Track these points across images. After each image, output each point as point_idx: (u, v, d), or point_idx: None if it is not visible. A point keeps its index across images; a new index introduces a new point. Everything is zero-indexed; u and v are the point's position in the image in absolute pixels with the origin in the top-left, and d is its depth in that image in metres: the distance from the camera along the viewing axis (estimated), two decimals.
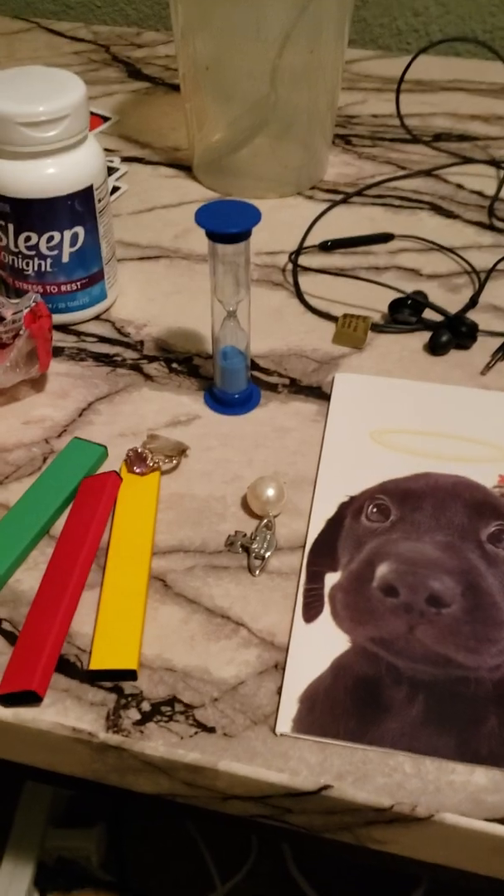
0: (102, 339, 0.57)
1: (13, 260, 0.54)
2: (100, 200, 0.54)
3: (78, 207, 0.52)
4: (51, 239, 0.53)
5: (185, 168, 0.74)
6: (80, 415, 0.51)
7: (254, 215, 0.45)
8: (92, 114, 0.81)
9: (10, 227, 0.52)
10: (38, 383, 0.53)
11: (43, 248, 0.53)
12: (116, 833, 0.94)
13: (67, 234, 0.53)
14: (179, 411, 0.52)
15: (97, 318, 0.58)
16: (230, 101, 0.66)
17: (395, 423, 0.51)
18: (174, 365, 0.55)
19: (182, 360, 0.55)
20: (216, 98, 0.67)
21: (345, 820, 0.36)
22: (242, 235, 0.45)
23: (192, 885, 0.92)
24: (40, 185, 0.51)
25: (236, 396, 0.52)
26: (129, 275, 0.62)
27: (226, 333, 0.50)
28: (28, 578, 0.43)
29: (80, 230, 0.53)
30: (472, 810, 0.35)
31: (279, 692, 0.38)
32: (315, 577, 0.43)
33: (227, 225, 0.45)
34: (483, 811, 0.35)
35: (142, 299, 0.60)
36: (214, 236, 0.45)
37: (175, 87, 0.85)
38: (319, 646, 0.40)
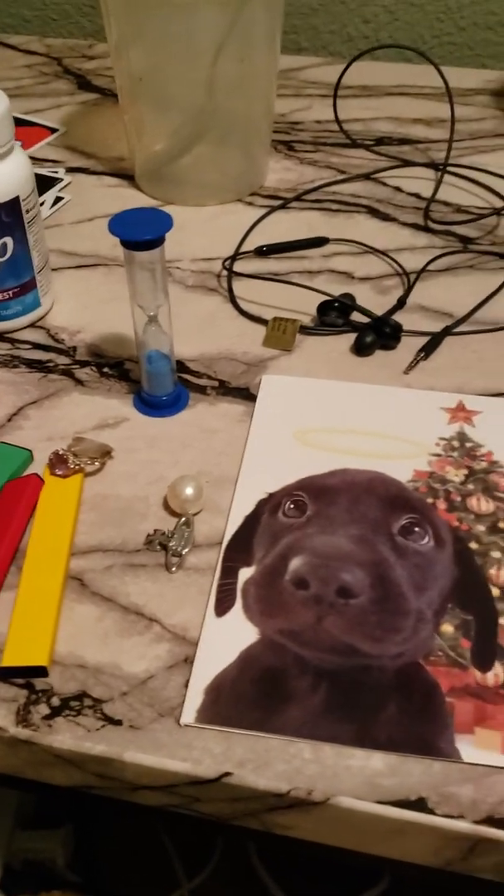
0: (36, 346, 0.58)
1: None
2: (28, 211, 0.55)
3: (5, 218, 0.54)
4: None
5: (128, 177, 0.75)
6: (10, 420, 0.53)
7: (166, 222, 0.46)
8: (39, 126, 0.82)
9: None
10: None
11: None
12: (84, 833, 0.95)
13: None
14: (108, 414, 0.53)
15: (32, 325, 0.59)
16: (167, 111, 0.68)
17: (319, 422, 0.52)
18: (105, 369, 0.56)
19: (113, 365, 0.57)
20: (153, 108, 0.68)
21: (249, 807, 0.38)
22: (156, 242, 0.46)
23: (159, 884, 0.93)
24: None
25: (164, 399, 0.53)
26: (67, 283, 0.63)
27: (149, 338, 0.51)
28: None
29: (8, 240, 0.54)
30: (368, 794, 0.36)
31: (187, 685, 0.39)
32: (229, 572, 0.44)
33: (141, 232, 0.46)
34: (378, 794, 0.36)
35: (77, 307, 0.61)
36: (129, 244, 0.47)
37: (116, 96, 0.87)
38: (229, 638, 0.41)
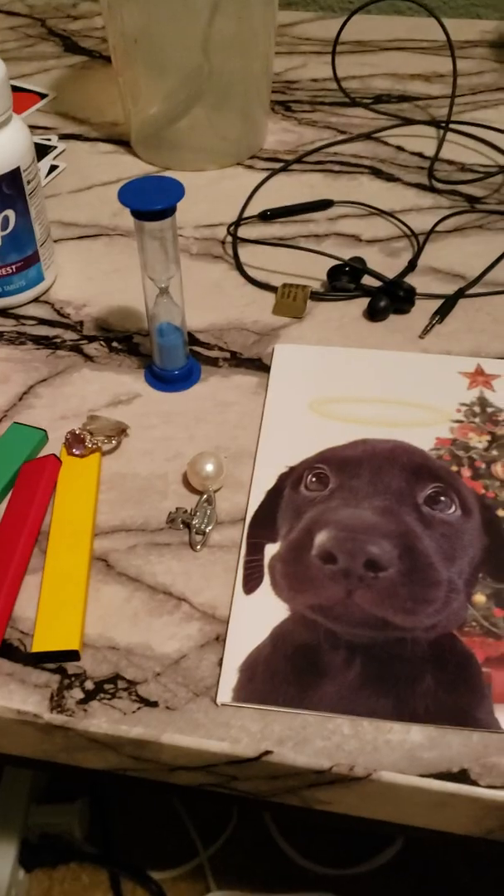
0: (42, 322, 0.57)
1: None
2: (29, 182, 0.53)
3: (6, 190, 0.52)
4: None
5: (124, 143, 0.73)
6: (21, 399, 0.51)
7: (177, 190, 0.45)
8: (27, 91, 0.80)
9: None
10: None
11: None
12: (100, 806, 0.96)
13: None
14: (120, 391, 0.52)
15: (36, 300, 0.58)
16: (163, 73, 0.66)
17: (335, 391, 0.51)
18: (114, 344, 0.55)
19: (122, 339, 0.55)
20: (148, 71, 0.66)
21: (288, 784, 0.37)
22: (167, 212, 0.45)
23: (176, 854, 0.94)
24: None
25: (176, 373, 0.52)
26: (68, 255, 0.62)
27: (160, 310, 0.50)
28: None
29: (10, 213, 0.53)
30: (408, 767, 0.36)
31: (220, 664, 0.39)
32: (255, 549, 0.43)
33: (152, 202, 0.45)
34: (419, 767, 0.36)
35: (81, 279, 0.60)
36: (140, 214, 0.45)
37: (109, 59, 0.84)
38: (259, 616, 0.40)
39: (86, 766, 0.40)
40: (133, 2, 0.62)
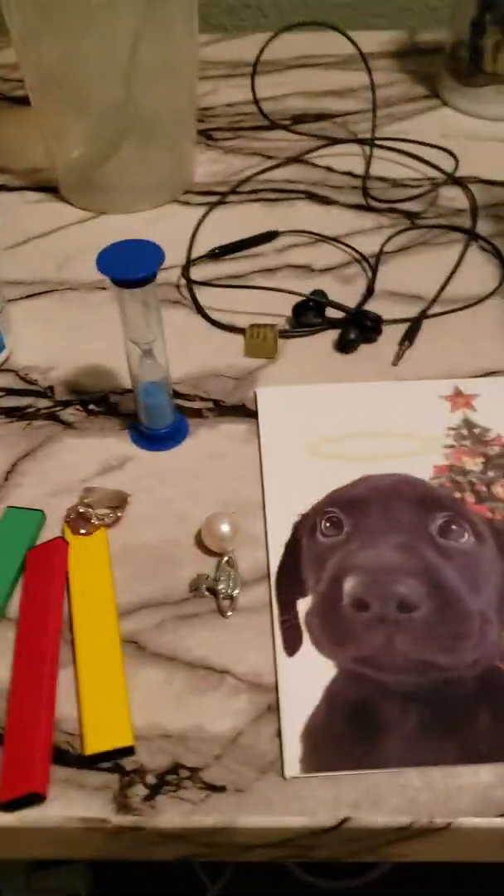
0: (10, 392, 0.54)
1: None
2: None
3: None
4: None
5: (51, 189, 0.71)
6: (6, 478, 0.49)
7: (156, 255, 0.44)
8: None
9: None
10: None
11: None
12: (100, 862, 0.93)
13: None
14: (108, 456, 0.51)
15: None
16: (86, 110, 0.64)
17: (326, 430, 0.51)
18: (91, 406, 0.53)
19: (98, 401, 0.54)
20: (72, 109, 0.64)
21: (368, 844, 0.37)
22: (149, 278, 0.44)
23: (186, 893, 0.93)
24: None
25: (164, 431, 0.51)
26: (21, 316, 0.59)
27: (144, 371, 0.49)
28: None
29: None
30: (484, 809, 0.36)
31: (279, 734, 0.38)
32: (287, 607, 0.43)
33: (133, 270, 0.43)
34: (495, 807, 0.36)
35: (40, 341, 0.58)
36: (121, 282, 0.44)
37: (21, 100, 0.82)
38: (308, 678, 0.40)
39: (156, 859, 0.38)
40: (50, 36, 0.60)
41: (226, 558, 0.44)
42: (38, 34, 0.60)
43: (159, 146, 0.67)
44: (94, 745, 0.37)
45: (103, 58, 0.60)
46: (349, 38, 0.70)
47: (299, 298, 0.59)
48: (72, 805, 0.36)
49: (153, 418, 0.50)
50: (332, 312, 0.59)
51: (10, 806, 0.36)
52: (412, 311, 0.59)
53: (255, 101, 0.74)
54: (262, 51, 0.71)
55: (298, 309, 0.58)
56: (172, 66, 0.63)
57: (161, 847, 0.37)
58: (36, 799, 0.36)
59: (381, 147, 0.74)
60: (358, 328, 0.56)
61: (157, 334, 0.47)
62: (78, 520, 0.45)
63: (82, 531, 0.45)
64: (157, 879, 0.93)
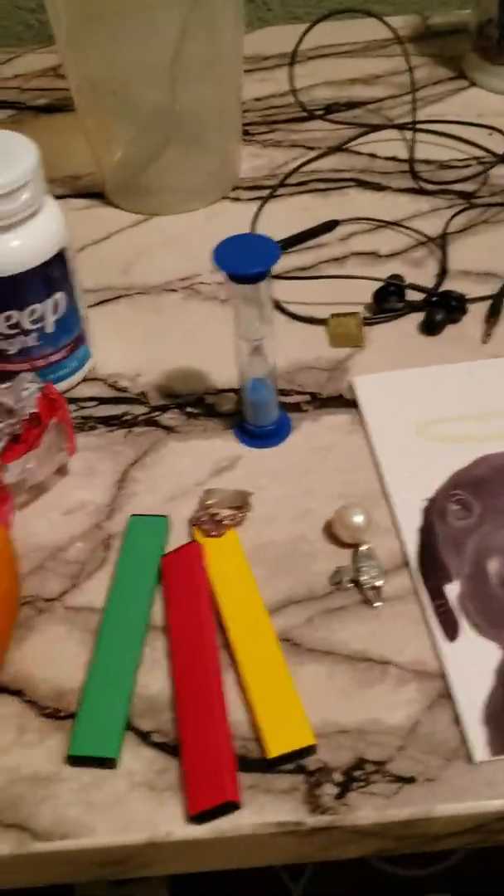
0: (103, 401, 0.53)
1: None
2: (70, 259, 0.50)
3: (55, 273, 0.49)
4: (33, 312, 0.49)
5: (96, 195, 0.70)
6: (120, 488, 0.48)
7: (273, 251, 0.43)
8: None
9: None
10: (59, 468, 0.49)
11: (26, 323, 0.49)
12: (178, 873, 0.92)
13: (50, 303, 0.49)
14: (217, 457, 0.50)
15: (84, 380, 0.55)
16: (134, 112, 0.63)
17: (431, 413, 0.51)
18: (188, 409, 0.53)
19: (194, 403, 0.53)
20: (119, 112, 0.63)
21: None
22: (264, 274, 0.43)
23: (268, 892, 0.92)
24: (16, 259, 0.47)
25: (270, 428, 0.50)
26: (96, 324, 0.58)
27: (252, 368, 0.48)
28: (153, 681, 0.40)
29: (59, 296, 0.49)
30: None
31: (456, 721, 0.38)
32: (437, 593, 0.42)
33: (248, 265, 0.43)
34: None
35: (120, 348, 0.57)
36: (236, 277, 0.43)
37: (44, 109, 0.80)
38: (475, 662, 0.40)
39: (339, 859, 0.38)
40: (96, 36, 0.59)
41: (364, 548, 0.44)
42: (84, 34, 0.59)
43: (207, 144, 0.66)
44: (276, 748, 0.37)
45: (150, 56, 0.59)
46: (387, 24, 0.69)
47: (376, 285, 0.58)
48: (263, 811, 0.36)
49: (260, 415, 0.50)
50: (410, 296, 0.58)
51: (201, 818, 0.35)
52: (487, 288, 0.59)
53: (293, 92, 0.73)
54: (300, 40, 0.71)
55: (379, 294, 0.57)
56: (219, 61, 0.62)
57: (351, 845, 0.37)
58: (230, 808, 0.35)
59: (423, 131, 0.74)
60: (445, 310, 0.56)
61: (267, 331, 0.46)
62: (209, 522, 0.45)
63: (213, 533, 0.44)
64: (236, 883, 0.93)
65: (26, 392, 0.47)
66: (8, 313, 0.48)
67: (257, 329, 0.46)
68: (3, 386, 0.48)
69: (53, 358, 0.51)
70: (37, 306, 0.48)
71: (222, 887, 0.93)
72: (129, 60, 0.59)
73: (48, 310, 0.49)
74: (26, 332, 0.49)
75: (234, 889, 0.93)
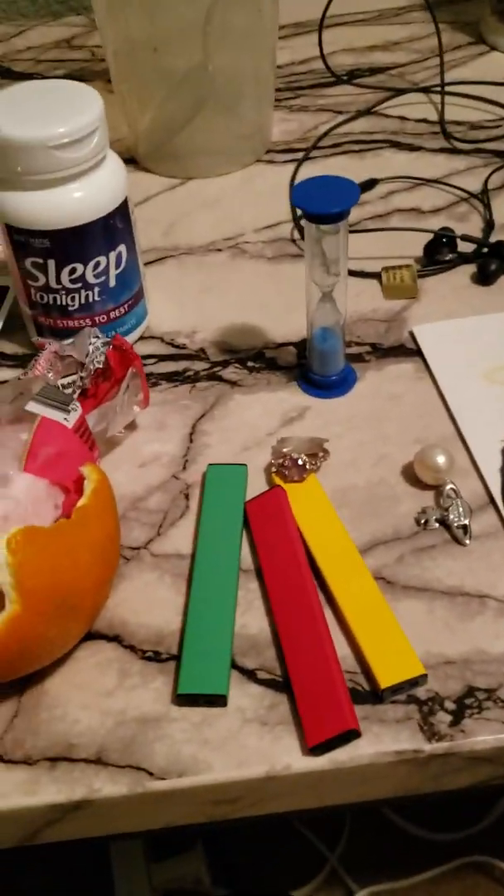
0: (162, 358, 0.53)
1: (54, 298, 0.49)
2: (132, 212, 0.49)
3: (119, 224, 0.48)
4: (97, 265, 0.48)
5: (128, 160, 0.69)
6: (191, 440, 0.48)
7: (352, 191, 0.43)
8: None
9: (51, 262, 0.47)
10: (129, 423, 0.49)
11: (90, 277, 0.48)
12: (216, 846, 0.92)
13: (112, 256, 0.48)
14: (285, 408, 0.50)
15: (141, 337, 0.54)
16: (169, 76, 0.62)
17: (496, 360, 0.51)
18: (250, 363, 0.52)
19: (254, 357, 0.53)
20: (156, 73, 0.63)
21: None
22: (343, 214, 0.43)
23: (306, 868, 0.92)
24: (81, 209, 0.46)
25: (335, 378, 0.50)
26: (147, 284, 0.58)
27: (321, 315, 0.48)
28: (252, 621, 0.40)
29: (122, 249, 0.49)
30: None
31: None
32: None
33: (328, 204, 0.43)
34: None
35: (174, 306, 0.56)
36: (314, 217, 0.43)
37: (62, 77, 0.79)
38: None
39: (448, 789, 0.38)
40: (135, 3, 0.58)
41: (449, 487, 0.44)
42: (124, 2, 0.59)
43: (241, 107, 0.66)
44: (388, 679, 0.36)
45: (188, 18, 0.59)
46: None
47: (425, 239, 0.59)
48: (380, 740, 0.36)
49: (327, 364, 0.49)
50: (461, 248, 0.58)
51: (320, 749, 0.35)
52: None
53: (322, 57, 0.73)
54: (327, 6, 0.71)
55: (430, 247, 0.57)
56: (256, 26, 0.62)
57: (463, 773, 0.37)
58: (350, 737, 0.35)
59: (451, 94, 0.74)
60: (497, 258, 0.56)
61: (339, 277, 0.46)
62: (291, 467, 0.44)
63: (296, 478, 0.44)
64: (272, 852, 0.93)
65: (92, 346, 0.46)
66: (73, 265, 0.47)
67: (330, 275, 0.46)
68: (68, 342, 0.47)
69: (114, 314, 0.51)
70: (101, 258, 0.48)
71: (259, 859, 0.93)
72: (167, 19, 0.59)
73: (111, 263, 0.48)
74: (89, 287, 0.48)
75: (270, 859, 0.93)
